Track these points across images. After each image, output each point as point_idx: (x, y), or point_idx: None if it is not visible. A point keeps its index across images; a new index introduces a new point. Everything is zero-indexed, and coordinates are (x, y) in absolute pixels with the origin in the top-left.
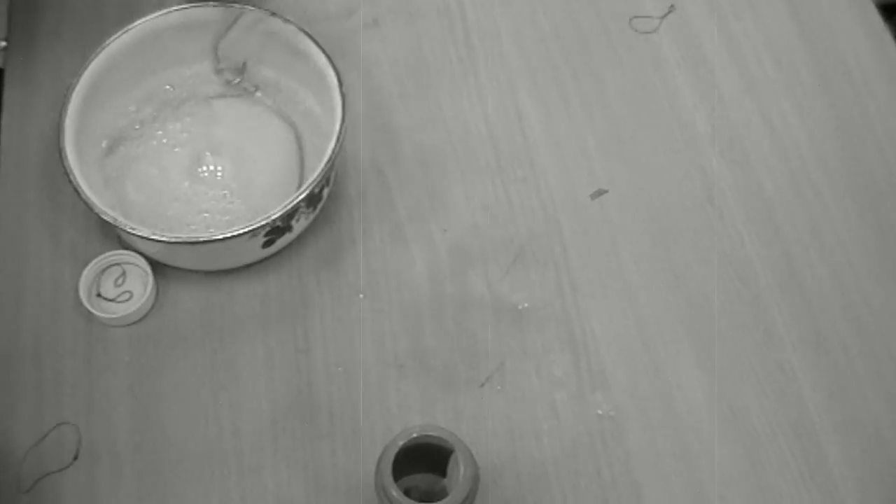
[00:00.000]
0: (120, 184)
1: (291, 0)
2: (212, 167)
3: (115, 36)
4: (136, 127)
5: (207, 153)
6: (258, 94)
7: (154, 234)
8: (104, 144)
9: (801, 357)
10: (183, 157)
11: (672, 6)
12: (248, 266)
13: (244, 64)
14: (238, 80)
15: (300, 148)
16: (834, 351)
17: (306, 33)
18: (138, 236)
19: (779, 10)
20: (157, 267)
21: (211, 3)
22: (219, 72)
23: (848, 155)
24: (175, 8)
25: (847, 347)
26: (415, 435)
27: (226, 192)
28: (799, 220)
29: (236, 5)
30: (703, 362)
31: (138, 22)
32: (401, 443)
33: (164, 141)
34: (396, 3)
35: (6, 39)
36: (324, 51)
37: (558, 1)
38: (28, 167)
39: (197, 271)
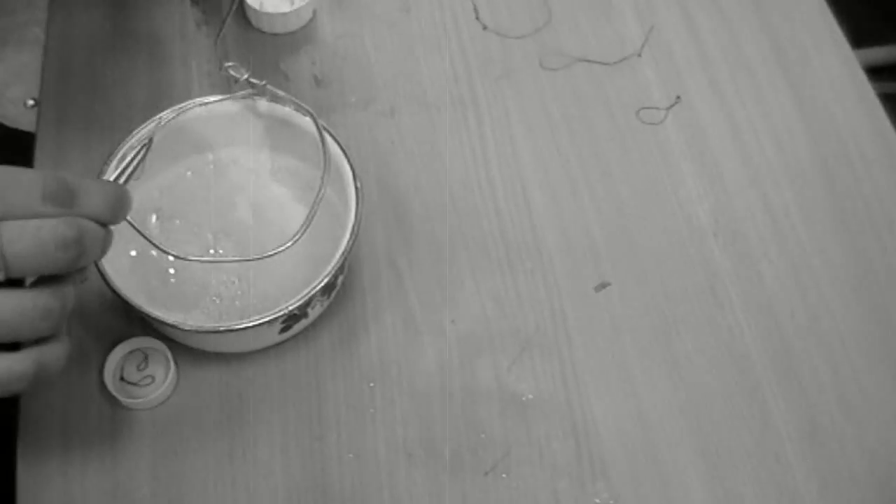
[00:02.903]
0: (151, 267)
1: (310, 88)
2: (222, 251)
3: (142, 126)
4: (157, 213)
5: (222, 238)
6: (268, 86)
7: (177, 322)
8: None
9: (797, 447)
10: (199, 244)
11: (678, 97)
12: (266, 349)
13: (251, 60)
14: (246, 75)
15: (316, 233)
16: (829, 442)
17: (321, 125)
18: (165, 323)
19: (783, 100)
20: (176, 346)
21: (231, 96)
22: (223, 69)
23: (848, 246)
24: (198, 101)
25: (842, 438)
26: None
27: (234, 279)
28: (798, 311)
29: (256, 98)
30: (701, 451)
31: (164, 114)
32: None
33: (183, 226)
34: (412, 92)
35: (38, 104)
36: (338, 142)
37: (568, 93)
38: None
39: (217, 353)
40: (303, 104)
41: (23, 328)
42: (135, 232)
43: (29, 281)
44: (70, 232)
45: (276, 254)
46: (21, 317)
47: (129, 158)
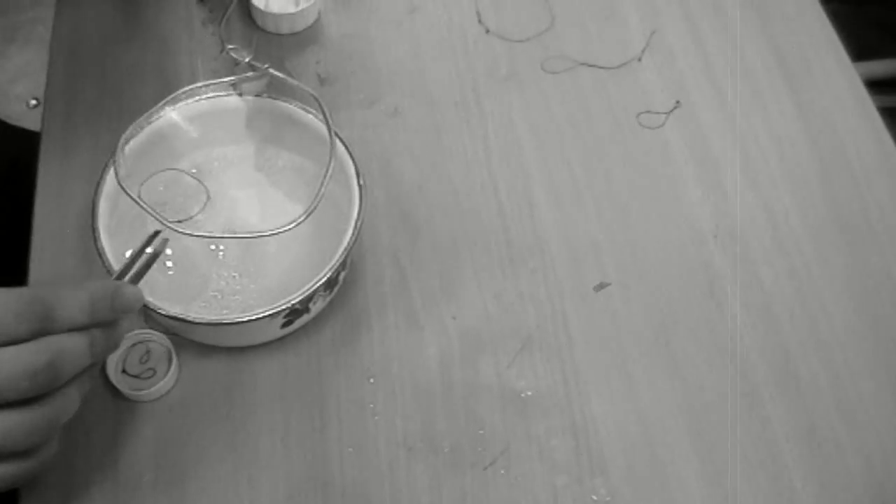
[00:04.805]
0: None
1: (315, 87)
2: (223, 248)
3: (146, 121)
4: (162, 208)
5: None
6: (270, 69)
7: (180, 314)
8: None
9: (795, 449)
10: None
11: (678, 102)
12: (268, 343)
13: (253, 42)
14: (248, 58)
15: (319, 228)
16: (826, 444)
17: (327, 123)
18: (167, 316)
19: (783, 107)
20: (178, 340)
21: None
22: (226, 53)
23: (846, 252)
24: (205, 96)
25: (839, 441)
26: None
27: (235, 274)
28: (796, 314)
29: (264, 95)
30: (698, 451)
31: (169, 109)
32: None
33: (186, 222)
34: (416, 92)
35: (43, 101)
36: (342, 140)
37: (571, 96)
38: (64, 237)
39: (218, 347)
40: (304, 86)
41: (7, 446)
42: (133, 232)
43: None
44: (39, 358)
45: (279, 232)
46: (5, 438)
47: (138, 256)
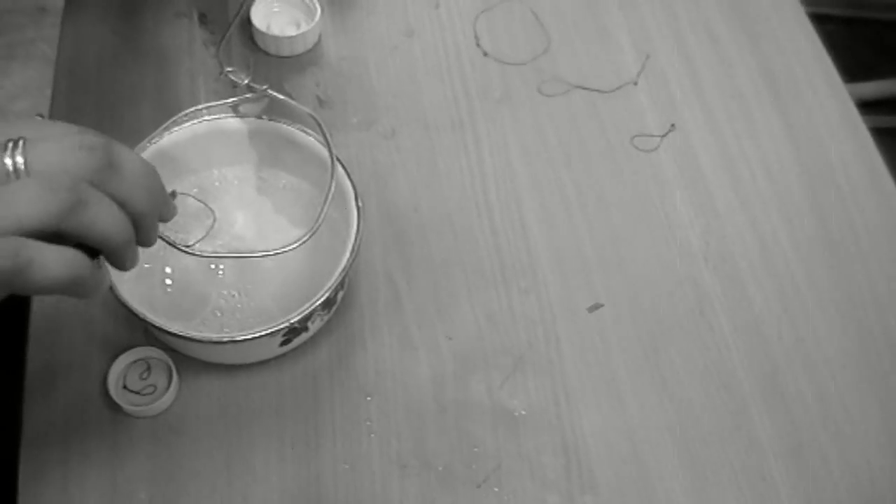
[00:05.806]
0: (148, 278)
1: (313, 109)
2: (222, 267)
3: (149, 142)
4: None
5: (223, 253)
6: (268, 90)
7: (182, 332)
8: None
9: (782, 465)
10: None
11: (673, 125)
12: (266, 361)
13: (251, 63)
14: (247, 80)
15: (316, 249)
16: (813, 460)
17: (325, 145)
18: (168, 333)
19: (774, 130)
20: (178, 357)
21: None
22: (224, 74)
23: (834, 270)
24: (206, 118)
25: (826, 457)
26: None
27: (234, 292)
28: (784, 332)
29: (263, 117)
30: (688, 468)
31: (172, 130)
32: None
33: (185, 240)
34: (413, 114)
35: (48, 115)
36: (340, 161)
37: (565, 119)
38: None
39: (217, 364)
40: (304, 107)
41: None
42: None
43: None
44: (97, 139)
45: (282, 252)
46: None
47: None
